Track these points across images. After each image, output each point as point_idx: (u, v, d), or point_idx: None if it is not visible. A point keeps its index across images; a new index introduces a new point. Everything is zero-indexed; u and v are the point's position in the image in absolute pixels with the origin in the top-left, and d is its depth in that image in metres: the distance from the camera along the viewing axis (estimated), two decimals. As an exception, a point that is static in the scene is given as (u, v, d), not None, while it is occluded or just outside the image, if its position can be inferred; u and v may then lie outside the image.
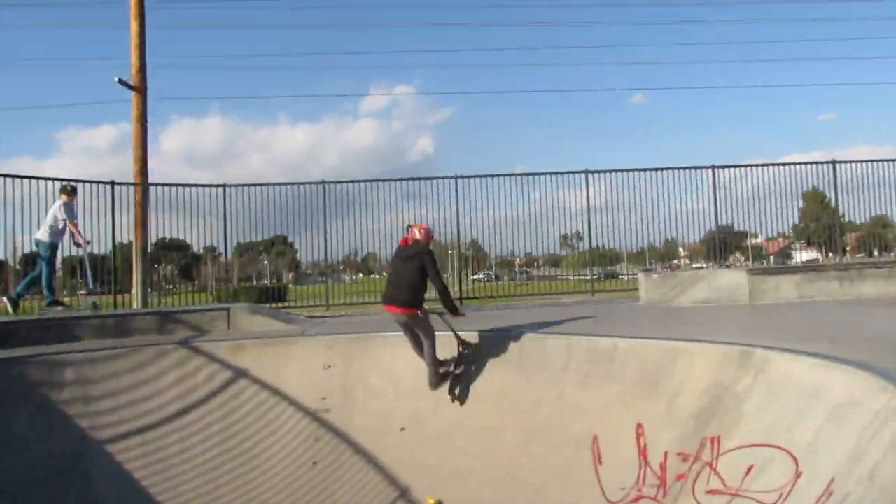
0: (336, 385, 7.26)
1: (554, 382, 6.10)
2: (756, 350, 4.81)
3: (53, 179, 10.74)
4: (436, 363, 6.73)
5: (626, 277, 18.04)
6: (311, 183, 13.01)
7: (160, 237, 13.13)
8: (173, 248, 14.64)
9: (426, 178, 13.37)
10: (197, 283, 16.86)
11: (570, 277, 16.24)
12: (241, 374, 7.37)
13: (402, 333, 7.17)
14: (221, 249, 13.58)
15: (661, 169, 13.03)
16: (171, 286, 15.29)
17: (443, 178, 13.20)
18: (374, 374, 7.27)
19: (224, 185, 12.93)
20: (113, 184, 12.02)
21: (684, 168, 13.13)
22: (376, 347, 7.45)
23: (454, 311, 6.72)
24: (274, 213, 12.95)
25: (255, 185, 12.97)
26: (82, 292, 10.40)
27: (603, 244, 13.71)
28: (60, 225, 9.57)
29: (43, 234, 9.51)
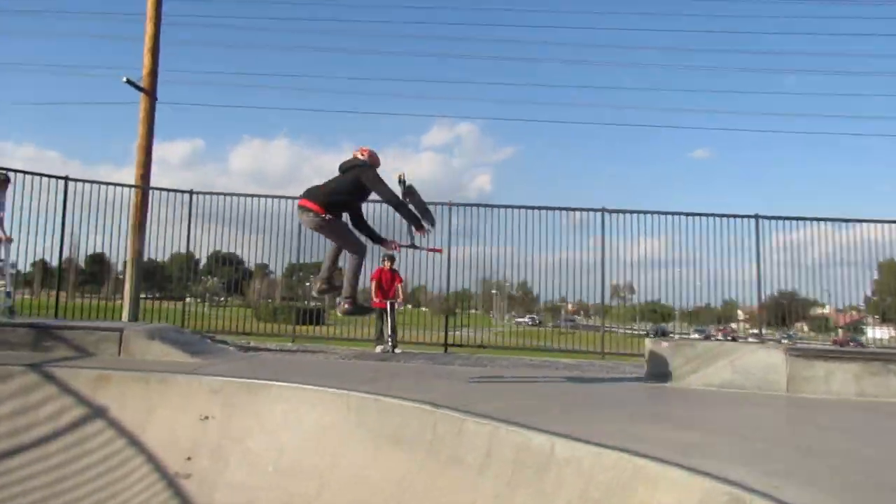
0: (209, 443, 5.54)
1: (465, 487, 4.19)
2: (756, 501, 2.82)
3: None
4: (352, 285, 5.99)
5: (676, 336, 16.51)
6: (284, 197, 11.55)
7: (215, 250, 12.66)
8: (226, 262, 14.20)
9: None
10: (245, 298, 16.71)
11: (617, 330, 14.65)
12: (98, 413, 5.76)
13: (302, 385, 5.64)
14: (273, 267, 13.36)
15: (696, 214, 11.00)
16: (219, 299, 15.31)
17: (438, 203, 11.52)
18: (256, 436, 5.51)
19: (191, 192, 11.68)
20: (67, 179, 10.89)
21: (724, 216, 11.06)
22: (268, 400, 5.72)
23: (417, 223, 5.77)
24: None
25: (224, 193, 11.64)
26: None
27: (658, 298, 12.38)
28: None
29: None
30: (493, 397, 5.50)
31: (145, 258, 11.87)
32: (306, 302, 12.69)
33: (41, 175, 10.60)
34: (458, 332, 11.86)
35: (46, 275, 14.18)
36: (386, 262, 10.57)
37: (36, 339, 6.79)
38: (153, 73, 13.29)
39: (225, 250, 12.86)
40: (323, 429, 5.36)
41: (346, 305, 6.08)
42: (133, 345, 6.99)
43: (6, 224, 8.94)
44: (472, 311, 14.59)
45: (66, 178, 10.86)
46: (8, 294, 8.82)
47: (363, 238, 6.25)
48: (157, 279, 12.95)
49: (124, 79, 12.52)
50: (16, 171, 10.28)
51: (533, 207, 11.66)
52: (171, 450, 5.51)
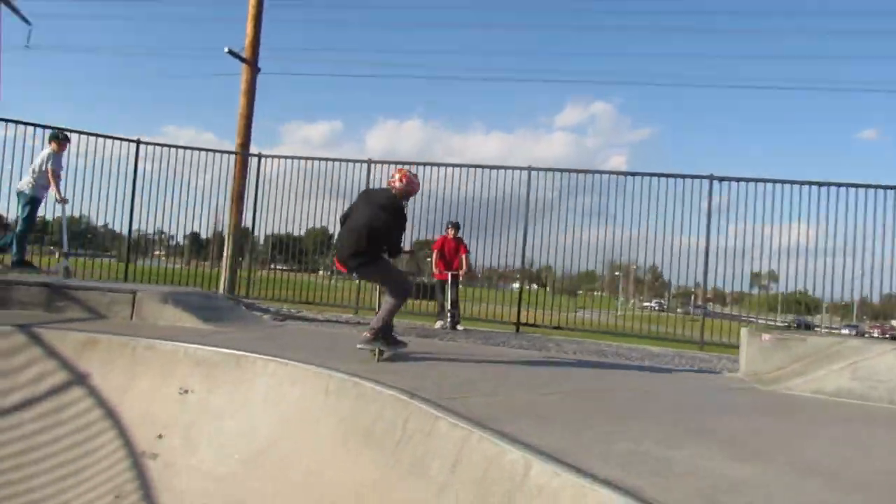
0: (184, 420, 4.87)
1: (422, 508, 3.12)
2: None
3: (43, 126, 9.68)
4: (385, 324, 5.25)
5: (823, 331, 14.32)
6: (354, 161, 10.79)
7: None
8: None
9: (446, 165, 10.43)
10: None
11: (752, 319, 12.94)
12: (80, 379, 5.28)
13: (288, 361, 4.86)
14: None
15: (825, 184, 8.91)
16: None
17: (514, 168, 10.28)
18: (233, 415, 4.78)
19: (259, 155, 11.34)
20: (139, 142, 10.83)
21: (863, 186, 8.89)
22: (252, 375, 4.96)
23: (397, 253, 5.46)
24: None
25: (289, 157, 11.15)
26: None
27: (805, 288, 10.56)
28: (55, 178, 8.39)
29: (24, 186, 8.35)
30: (501, 389, 4.35)
31: (281, 231, 11.63)
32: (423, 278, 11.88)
33: (113, 138, 10.61)
34: (573, 314, 10.61)
35: (198, 246, 14.70)
36: (450, 231, 9.51)
37: (49, 298, 6.49)
38: (255, 42, 13.33)
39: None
40: (299, 411, 4.53)
41: (367, 334, 5.22)
42: (146, 308, 6.51)
43: (61, 185, 8.84)
44: (598, 293, 13.86)
45: (139, 142, 10.82)
46: (66, 255, 8.78)
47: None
48: (293, 252, 12.73)
49: (226, 49, 12.62)
50: (88, 133, 10.34)
51: (631, 174, 10.12)
52: (145, 425, 4.91)
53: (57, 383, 5.25)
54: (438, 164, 10.63)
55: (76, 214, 11.41)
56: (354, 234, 5.18)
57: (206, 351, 5.24)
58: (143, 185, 10.90)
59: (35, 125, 9.75)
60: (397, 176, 5.31)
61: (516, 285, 14.33)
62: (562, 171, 10.10)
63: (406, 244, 5.98)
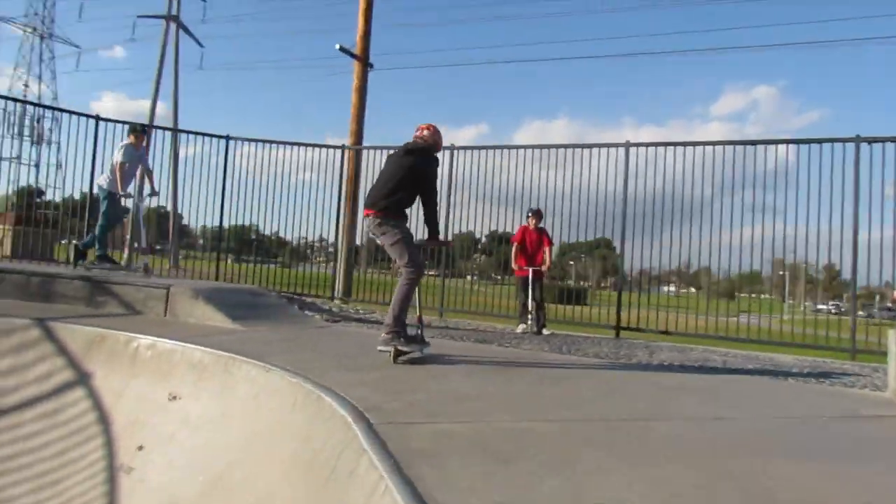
0: (166, 430, 4.36)
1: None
2: None
3: (121, 122, 9.91)
4: (399, 316, 4.63)
5: None
6: (470, 148, 9.96)
7: (492, 230, 11.94)
8: (503, 241, 14.32)
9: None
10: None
11: None
12: (83, 379, 4.99)
13: (271, 368, 4.22)
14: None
15: None
16: (495, 276, 15.36)
17: (611, 145, 8.93)
18: (213, 426, 4.15)
19: (343, 147, 10.89)
20: (228, 138, 10.86)
21: None
22: (238, 381, 4.32)
23: (435, 234, 5.12)
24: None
25: (379, 147, 10.58)
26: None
27: None
28: (121, 170, 8.38)
29: (103, 181, 8.46)
30: (495, 410, 3.25)
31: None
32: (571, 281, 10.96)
33: (204, 134, 10.73)
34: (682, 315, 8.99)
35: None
36: (531, 220, 8.35)
37: (91, 293, 6.36)
38: (366, 36, 13.35)
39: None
40: (268, 425, 3.80)
41: (385, 334, 4.66)
42: (178, 304, 6.15)
43: (154, 179, 8.92)
44: (764, 296, 12.81)
45: (227, 137, 10.84)
46: (145, 251, 8.83)
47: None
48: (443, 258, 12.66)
49: (338, 46, 12.66)
50: (182, 130, 10.55)
51: (752, 143, 8.45)
52: (131, 433, 4.48)
53: (62, 382, 4.99)
54: (515, 147, 9.64)
55: (248, 223, 11.68)
56: (384, 178, 4.98)
57: (200, 352, 4.67)
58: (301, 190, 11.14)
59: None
60: (423, 130, 5.24)
61: (672, 288, 12.86)
62: (660, 145, 8.62)
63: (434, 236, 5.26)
